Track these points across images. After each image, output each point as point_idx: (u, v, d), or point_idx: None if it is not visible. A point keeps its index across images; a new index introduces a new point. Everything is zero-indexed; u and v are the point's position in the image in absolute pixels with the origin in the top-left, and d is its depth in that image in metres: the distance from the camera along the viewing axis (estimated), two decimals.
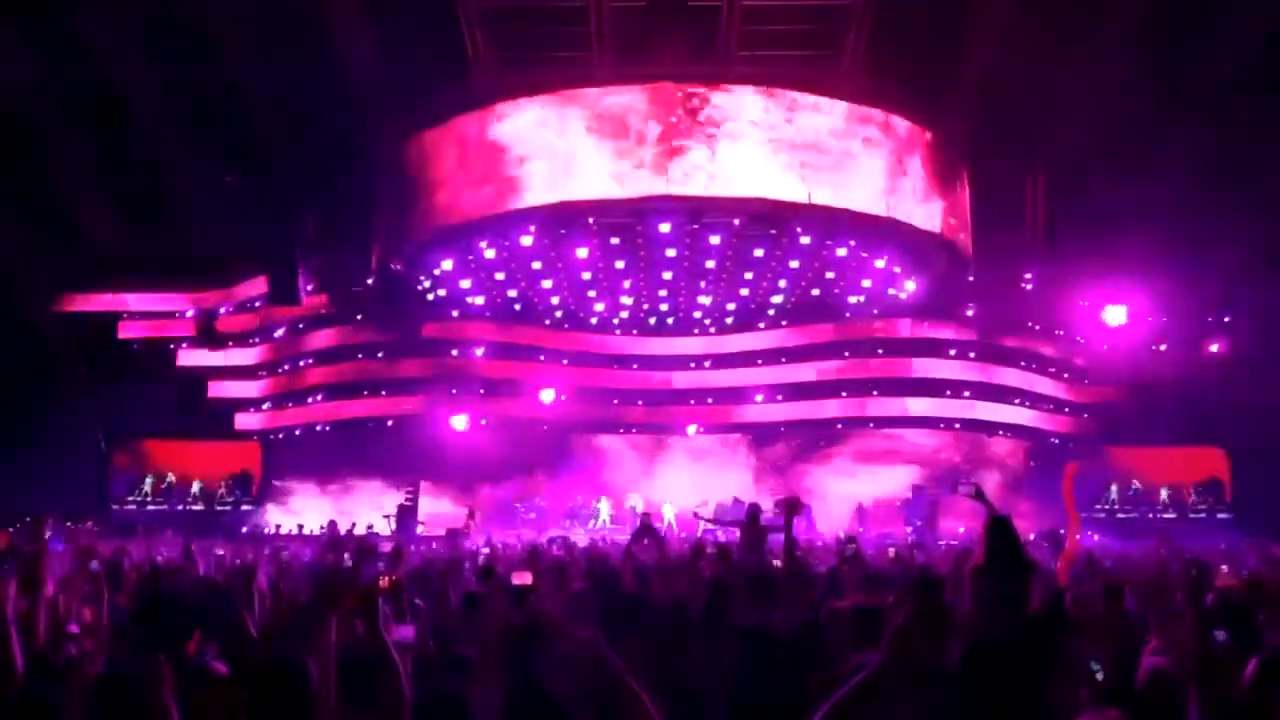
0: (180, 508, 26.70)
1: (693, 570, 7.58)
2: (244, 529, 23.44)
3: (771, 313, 26.08)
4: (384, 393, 25.95)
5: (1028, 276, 24.53)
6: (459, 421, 24.19)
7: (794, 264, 21.94)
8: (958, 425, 26.00)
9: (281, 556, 11.58)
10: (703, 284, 23.67)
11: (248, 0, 18.81)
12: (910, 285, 22.73)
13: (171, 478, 27.51)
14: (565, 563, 8.84)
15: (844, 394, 26.17)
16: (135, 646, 4.71)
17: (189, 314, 26.99)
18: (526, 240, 20.08)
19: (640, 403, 27.22)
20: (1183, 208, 20.33)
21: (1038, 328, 26.40)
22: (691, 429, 26.93)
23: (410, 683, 3.13)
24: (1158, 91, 18.63)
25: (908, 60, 19.23)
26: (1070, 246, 22.49)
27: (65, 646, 4.43)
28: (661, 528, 18.09)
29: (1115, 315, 21.89)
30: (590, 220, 19.64)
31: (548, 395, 25.31)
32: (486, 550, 12.91)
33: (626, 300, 25.05)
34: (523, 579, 5.62)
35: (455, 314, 25.36)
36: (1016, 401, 26.32)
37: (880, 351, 26.11)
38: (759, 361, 26.80)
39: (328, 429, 26.27)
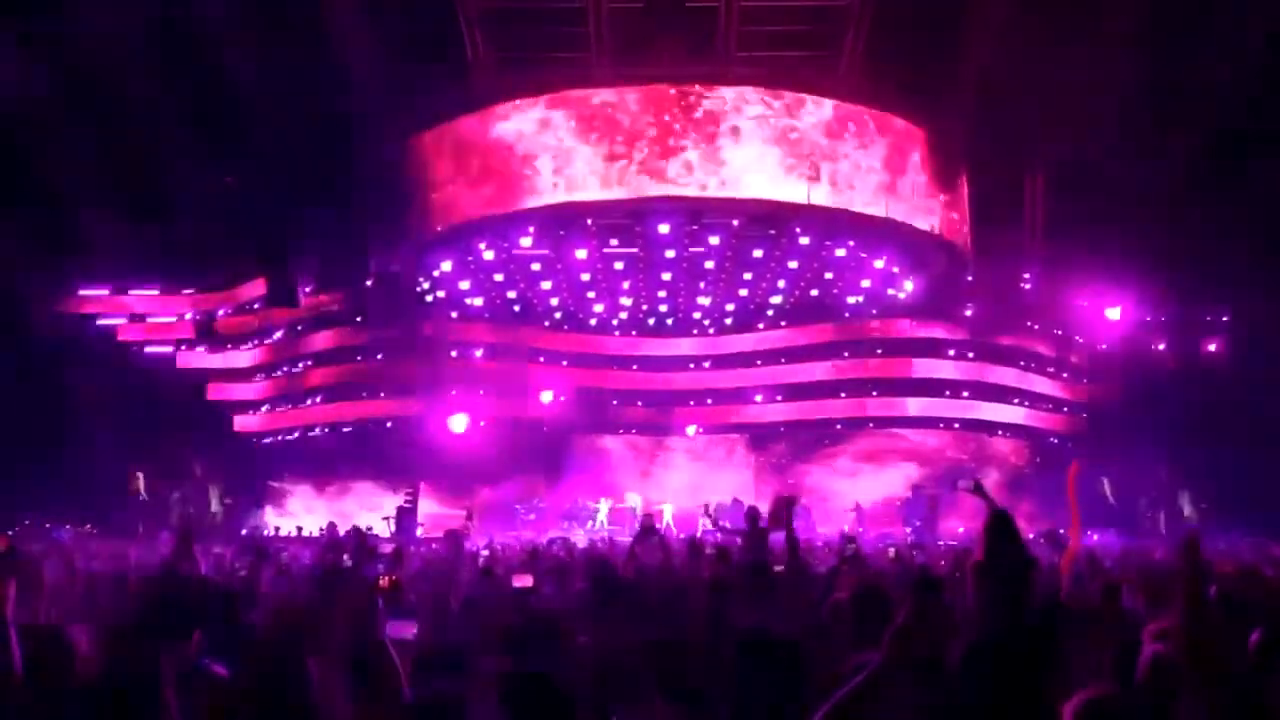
0: (179, 510, 26.65)
1: (693, 570, 7.58)
2: (242, 531, 23.40)
3: (770, 313, 26.09)
4: (383, 394, 25.95)
5: (1026, 276, 24.55)
6: (458, 423, 24.15)
7: (793, 264, 21.95)
8: (957, 425, 26.04)
9: (282, 558, 11.55)
10: (702, 285, 23.68)
11: (248, 0, 18.80)
12: (909, 285, 22.73)
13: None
14: (565, 564, 8.84)
15: (843, 394, 26.21)
16: (135, 647, 4.70)
17: (188, 316, 26.99)
18: (526, 241, 20.09)
19: (639, 403, 27.22)
20: (1181, 208, 20.34)
21: (1036, 327, 26.43)
22: (691, 429, 26.95)
23: (410, 683, 3.13)
24: (1157, 92, 18.63)
25: (906, 60, 19.26)
26: (1069, 246, 22.49)
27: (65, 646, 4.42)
28: (661, 528, 18.07)
29: (1114, 315, 21.94)
30: (589, 221, 19.66)
31: (547, 396, 25.30)
32: (486, 552, 12.89)
33: (626, 301, 25.05)
34: (523, 581, 5.62)
35: (454, 315, 25.35)
36: (1015, 401, 26.35)
37: (879, 351, 26.13)
38: (758, 362, 26.83)
39: (326, 431, 26.26)
